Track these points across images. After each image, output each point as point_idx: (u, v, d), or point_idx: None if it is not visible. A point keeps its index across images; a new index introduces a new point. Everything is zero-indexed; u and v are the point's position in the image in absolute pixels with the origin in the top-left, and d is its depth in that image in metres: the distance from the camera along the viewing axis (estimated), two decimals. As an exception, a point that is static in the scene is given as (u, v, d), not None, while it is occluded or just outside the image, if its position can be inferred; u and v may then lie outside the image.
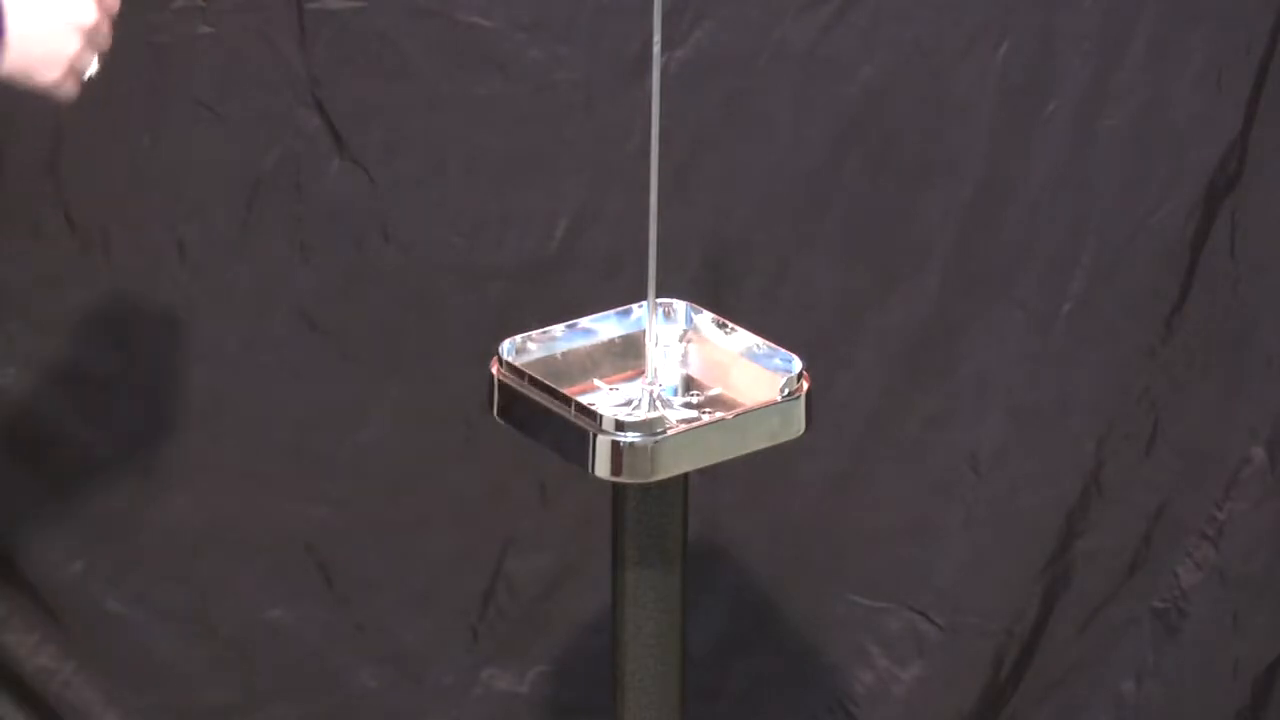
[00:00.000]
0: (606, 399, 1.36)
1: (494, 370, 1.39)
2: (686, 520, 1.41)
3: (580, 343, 1.42)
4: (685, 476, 1.37)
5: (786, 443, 1.39)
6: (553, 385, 1.34)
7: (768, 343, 1.41)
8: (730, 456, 1.36)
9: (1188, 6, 1.86)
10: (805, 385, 1.37)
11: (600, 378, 1.41)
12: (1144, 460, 2.00)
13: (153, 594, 1.95)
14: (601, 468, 1.31)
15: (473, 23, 1.80)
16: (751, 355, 1.41)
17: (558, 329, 1.41)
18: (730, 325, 1.44)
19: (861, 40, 1.84)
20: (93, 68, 1.33)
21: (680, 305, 1.46)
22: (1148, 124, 1.89)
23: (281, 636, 1.98)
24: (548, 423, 1.35)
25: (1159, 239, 1.93)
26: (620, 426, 1.30)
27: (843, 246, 1.91)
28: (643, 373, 1.40)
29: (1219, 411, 1.99)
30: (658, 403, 1.37)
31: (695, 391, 1.41)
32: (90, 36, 1.31)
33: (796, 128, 1.87)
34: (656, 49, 1.33)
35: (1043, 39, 1.86)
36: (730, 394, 1.40)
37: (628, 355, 1.43)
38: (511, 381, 1.37)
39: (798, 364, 1.38)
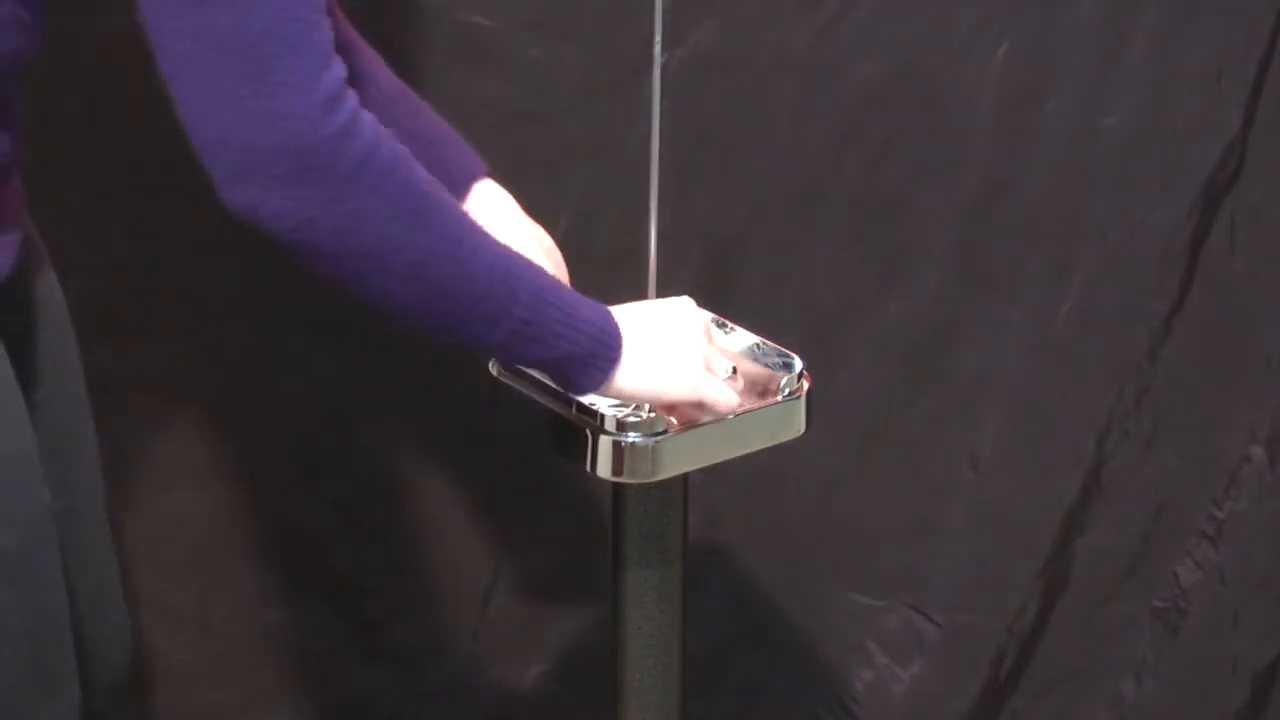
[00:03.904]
0: (607, 398, 1.36)
1: (494, 370, 1.39)
2: (686, 520, 1.41)
3: (581, 342, 1.42)
4: (685, 476, 1.37)
5: (786, 443, 1.39)
6: (554, 385, 1.34)
7: (768, 342, 1.41)
8: (731, 456, 1.37)
9: (1188, 6, 1.86)
10: (806, 385, 1.37)
11: (601, 377, 1.41)
12: (1144, 460, 2.00)
13: (153, 594, 1.95)
14: (603, 468, 1.32)
15: (473, 22, 1.80)
16: (752, 355, 1.41)
17: (559, 329, 1.41)
18: (731, 325, 1.44)
19: (861, 40, 1.84)
20: None
21: (681, 305, 1.46)
22: (1148, 124, 1.89)
23: (281, 636, 1.98)
24: (548, 422, 1.35)
25: (1158, 238, 1.93)
26: (621, 426, 1.31)
27: (842, 246, 1.91)
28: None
29: (1219, 411, 1.99)
30: (659, 402, 1.37)
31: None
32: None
33: (796, 127, 1.87)
34: (657, 48, 1.33)
35: (1043, 39, 1.86)
36: (731, 394, 1.40)
37: (629, 355, 1.43)
38: (512, 381, 1.38)
39: (798, 364, 1.38)
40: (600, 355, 1.27)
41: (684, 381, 1.31)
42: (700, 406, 1.33)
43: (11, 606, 1.27)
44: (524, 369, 1.36)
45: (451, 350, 1.26)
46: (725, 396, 1.33)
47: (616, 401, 1.32)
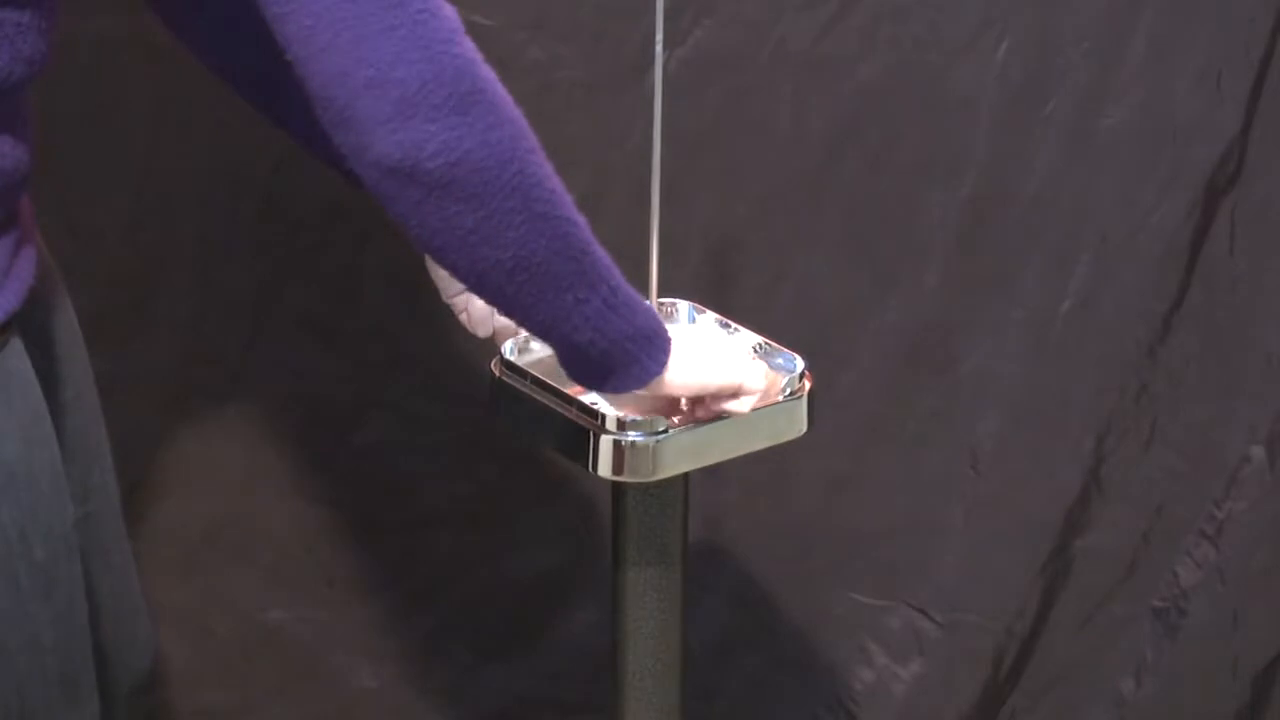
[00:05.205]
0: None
1: (495, 370, 1.39)
2: (686, 520, 1.41)
3: (582, 342, 1.42)
4: (685, 476, 1.37)
5: (787, 442, 1.39)
6: (554, 385, 1.34)
7: (770, 342, 1.41)
8: (731, 456, 1.37)
9: (1188, 6, 1.87)
10: (807, 385, 1.38)
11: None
12: (1143, 458, 2.00)
13: (153, 594, 1.95)
14: (603, 467, 1.32)
15: (473, 21, 1.78)
16: (755, 355, 1.41)
17: (560, 329, 1.41)
18: (734, 325, 1.44)
19: (861, 39, 1.84)
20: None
21: (684, 305, 1.46)
22: (1148, 124, 1.89)
23: (281, 636, 1.98)
24: (549, 422, 1.35)
25: (1158, 238, 1.93)
26: (622, 426, 1.31)
27: (842, 245, 1.92)
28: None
29: (1219, 410, 1.99)
30: (659, 402, 1.37)
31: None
32: None
33: (796, 126, 1.87)
34: (658, 48, 1.33)
35: (1043, 38, 1.86)
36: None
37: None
38: (513, 381, 1.38)
39: (800, 364, 1.38)
40: (661, 335, 1.28)
41: (724, 369, 1.32)
42: (736, 394, 1.33)
43: (44, 620, 1.29)
44: (524, 368, 1.36)
45: (539, 328, 1.25)
46: (762, 376, 1.35)
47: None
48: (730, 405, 1.33)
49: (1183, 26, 1.87)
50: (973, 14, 1.85)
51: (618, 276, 1.25)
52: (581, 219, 1.23)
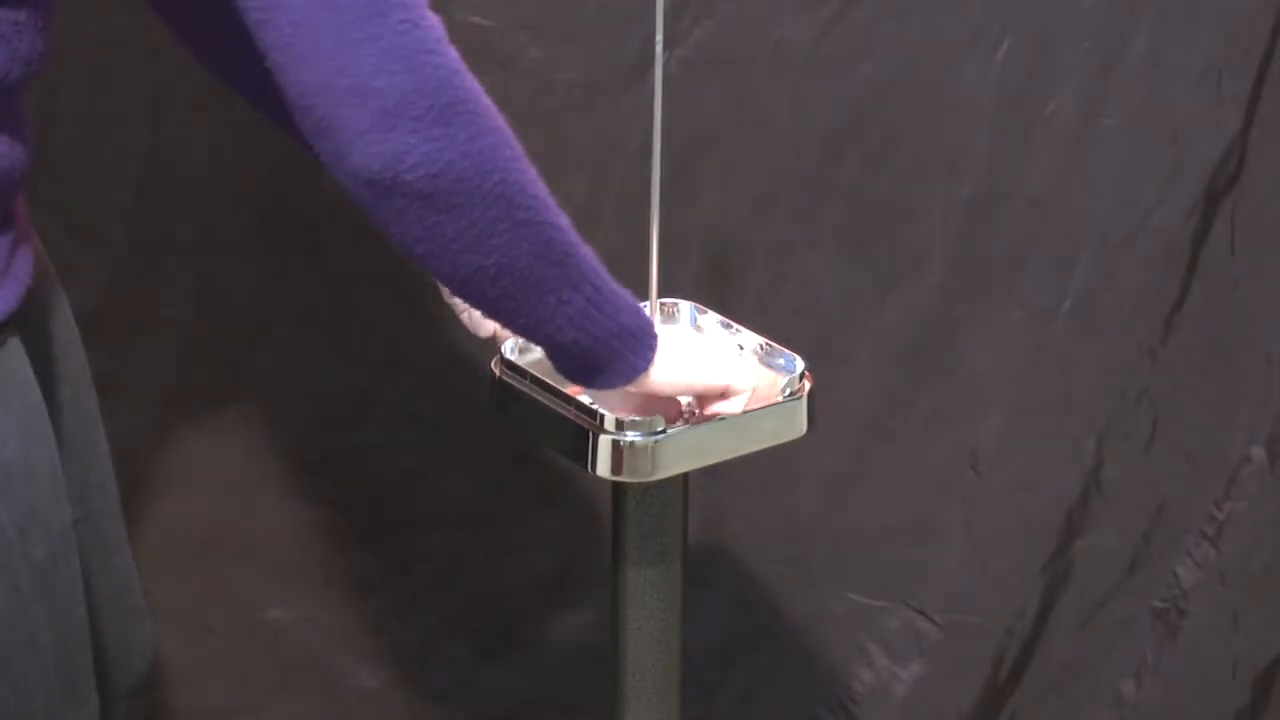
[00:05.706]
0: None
1: (495, 369, 1.39)
2: (686, 520, 1.41)
3: (582, 342, 1.42)
4: (685, 476, 1.37)
5: (787, 443, 1.39)
6: (554, 384, 1.34)
7: (771, 343, 1.41)
8: (731, 456, 1.37)
9: (1188, 6, 1.87)
10: (807, 385, 1.38)
11: (601, 377, 1.41)
12: (1143, 459, 2.00)
13: (153, 594, 1.95)
14: (602, 467, 1.32)
15: (472, 22, 1.80)
16: (756, 355, 1.41)
17: (559, 328, 1.41)
18: (736, 326, 1.44)
19: (861, 40, 1.84)
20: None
21: (685, 305, 1.46)
22: (1148, 124, 1.89)
23: (281, 636, 1.98)
24: (548, 422, 1.35)
25: (1159, 238, 1.93)
26: (621, 426, 1.31)
27: (843, 245, 1.92)
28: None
29: (1219, 411, 1.99)
30: (659, 402, 1.37)
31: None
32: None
33: (796, 127, 1.87)
34: (658, 48, 1.33)
35: (1043, 39, 1.86)
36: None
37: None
38: (512, 380, 1.38)
39: (800, 364, 1.38)
40: (646, 332, 1.28)
41: (711, 370, 1.32)
42: (724, 395, 1.33)
43: (43, 619, 1.29)
44: (525, 367, 1.37)
45: (524, 329, 1.26)
46: (751, 376, 1.35)
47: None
48: (720, 407, 1.33)
49: (1183, 26, 1.87)
50: (973, 14, 1.85)
51: (603, 274, 1.25)
52: (565, 221, 1.23)
